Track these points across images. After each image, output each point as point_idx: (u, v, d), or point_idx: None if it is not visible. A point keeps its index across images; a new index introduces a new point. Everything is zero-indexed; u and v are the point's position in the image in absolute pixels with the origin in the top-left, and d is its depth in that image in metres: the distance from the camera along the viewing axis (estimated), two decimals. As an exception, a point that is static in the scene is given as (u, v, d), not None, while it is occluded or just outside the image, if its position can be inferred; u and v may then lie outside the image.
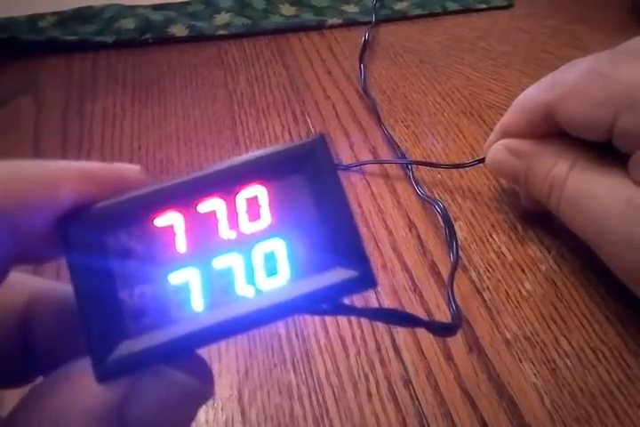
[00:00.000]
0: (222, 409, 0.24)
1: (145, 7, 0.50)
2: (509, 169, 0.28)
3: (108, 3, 0.50)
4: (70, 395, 0.12)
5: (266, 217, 0.13)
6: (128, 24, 0.47)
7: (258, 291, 0.13)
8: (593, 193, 0.24)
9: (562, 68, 0.26)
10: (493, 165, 0.29)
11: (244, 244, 0.13)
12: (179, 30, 0.47)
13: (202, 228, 0.13)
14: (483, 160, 0.30)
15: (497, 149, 0.29)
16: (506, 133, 0.29)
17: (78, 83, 0.43)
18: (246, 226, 0.13)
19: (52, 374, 0.12)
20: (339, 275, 0.13)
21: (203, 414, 0.23)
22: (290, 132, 0.38)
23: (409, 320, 0.15)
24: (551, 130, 0.26)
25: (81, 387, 0.12)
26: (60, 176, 0.13)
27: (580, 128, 0.25)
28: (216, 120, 0.39)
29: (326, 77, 0.43)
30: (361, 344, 0.26)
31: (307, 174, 0.13)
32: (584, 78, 0.24)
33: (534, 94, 0.26)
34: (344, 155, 0.36)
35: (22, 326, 0.15)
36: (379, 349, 0.25)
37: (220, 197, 0.13)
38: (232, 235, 0.13)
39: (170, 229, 0.13)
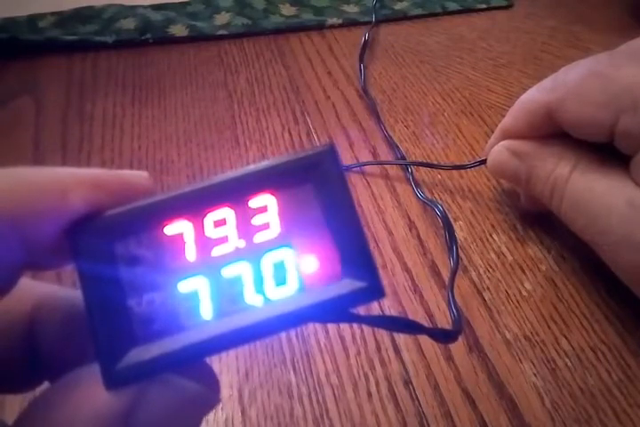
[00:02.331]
0: (222, 409, 0.24)
1: (145, 7, 0.50)
2: (511, 170, 0.28)
3: (108, 3, 0.50)
4: (78, 402, 0.12)
5: (275, 226, 0.13)
6: (128, 24, 0.47)
7: (267, 300, 0.13)
8: (594, 194, 0.24)
9: (562, 69, 0.26)
10: (495, 167, 0.29)
11: (254, 253, 0.13)
12: (179, 30, 0.47)
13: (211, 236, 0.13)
14: (484, 161, 0.30)
15: (498, 151, 0.29)
16: (507, 135, 0.29)
17: (78, 83, 0.43)
18: (256, 235, 0.13)
19: (60, 380, 0.12)
20: (347, 286, 0.13)
21: (203, 414, 0.23)
22: (290, 133, 0.38)
23: (411, 327, 0.15)
24: (552, 131, 0.26)
25: (89, 394, 0.12)
26: (70, 184, 0.13)
27: (581, 129, 0.25)
28: (216, 120, 0.39)
29: (326, 77, 0.43)
30: (361, 344, 0.26)
31: (316, 184, 0.13)
32: (585, 79, 0.24)
33: (535, 96, 0.26)
34: (344, 155, 0.36)
35: (28, 331, 0.15)
36: (379, 349, 0.25)
37: (230, 207, 0.13)
38: (241, 244, 0.13)
39: (179, 238, 0.13)
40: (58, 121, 0.40)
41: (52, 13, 0.49)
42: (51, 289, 0.16)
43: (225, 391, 0.24)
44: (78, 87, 0.43)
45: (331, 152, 0.13)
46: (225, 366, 0.25)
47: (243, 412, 0.23)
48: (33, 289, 0.15)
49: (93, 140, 0.38)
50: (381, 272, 0.29)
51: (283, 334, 0.26)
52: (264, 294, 0.13)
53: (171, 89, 0.42)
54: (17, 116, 0.40)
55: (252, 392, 0.24)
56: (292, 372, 0.25)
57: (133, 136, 0.38)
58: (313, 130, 0.38)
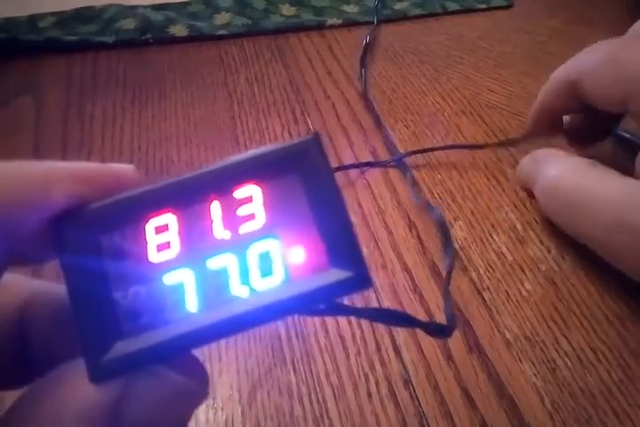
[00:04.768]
0: (222, 409, 0.24)
1: (145, 7, 0.50)
2: (530, 179, 0.30)
3: (108, 3, 0.50)
4: (64, 396, 0.12)
5: (260, 217, 0.13)
6: (128, 24, 0.47)
7: (252, 291, 0.13)
8: (584, 187, 0.25)
9: (585, 49, 0.28)
10: (520, 177, 0.31)
11: (239, 244, 0.13)
12: (179, 30, 0.47)
13: (196, 228, 0.13)
14: (501, 143, 0.33)
15: (526, 161, 0.31)
16: (540, 111, 0.30)
17: (78, 83, 0.43)
18: (241, 226, 0.13)
19: (47, 374, 0.12)
20: (333, 275, 0.13)
21: (203, 413, 0.23)
22: (290, 132, 0.38)
23: (405, 320, 0.15)
24: (578, 105, 0.28)
25: (75, 387, 0.12)
26: (54, 176, 0.13)
27: (597, 105, 0.27)
28: (216, 120, 0.39)
29: (326, 77, 0.43)
30: (361, 344, 0.26)
31: (301, 174, 0.13)
32: (600, 61, 0.26)
33: (561, 72, 0.29)
34: (344, 155, 0.36)
35: (19, 327, 0.15)
36: (379, 349, 0.25)
37: (215, 198, 0.13)
38: (227, 235, 0.13)
39: (164, 230, 0.13)
40: (58, 121, 0.39)
41: (53, 13, 0.49)
42: (41, 285, 0.16)
43: (225, 391, 0.24)
44: (78, 87, 0.43)
45: (315, 141, 0.13)
46: (225, 365, 0.25)
47: (243, 412, 0.23)
48: (23, 285, 0.15)
49: (93, 140, 0.38)
50: (381, 272, 0.29)
51: (283, 334, 0.26)
52: (250, 286, 0.13)
53: (171, 89, 0.42)
54: (17, 116, 0.40)
55: (252, 392, 0.24)
56: (292, 372, 0.25)
57: (133, 136, 0.38)
58: (313, 130, 0.38)
